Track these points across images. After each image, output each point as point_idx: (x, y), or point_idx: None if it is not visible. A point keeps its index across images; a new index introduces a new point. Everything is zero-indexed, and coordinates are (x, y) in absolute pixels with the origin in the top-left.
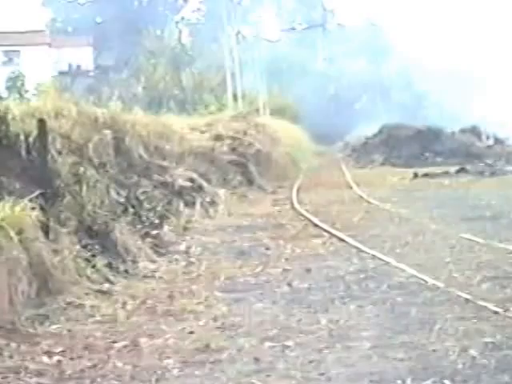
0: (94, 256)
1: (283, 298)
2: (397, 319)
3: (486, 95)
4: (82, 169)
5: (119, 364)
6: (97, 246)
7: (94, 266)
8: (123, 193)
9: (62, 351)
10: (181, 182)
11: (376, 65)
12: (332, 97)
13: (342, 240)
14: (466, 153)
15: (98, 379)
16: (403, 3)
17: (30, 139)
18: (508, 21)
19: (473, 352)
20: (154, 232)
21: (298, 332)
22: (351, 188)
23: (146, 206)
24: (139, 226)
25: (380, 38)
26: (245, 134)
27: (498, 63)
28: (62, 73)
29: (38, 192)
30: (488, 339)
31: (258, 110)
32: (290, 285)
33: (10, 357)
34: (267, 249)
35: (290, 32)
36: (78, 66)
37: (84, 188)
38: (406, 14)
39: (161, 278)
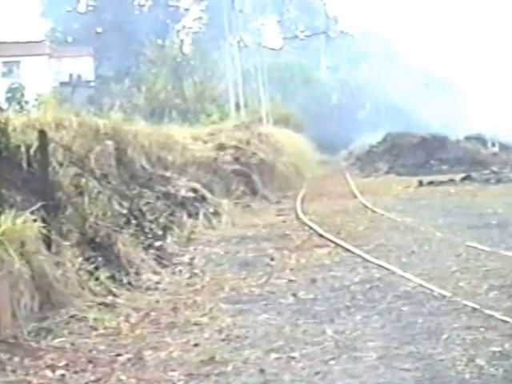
0: (96, 268)
1: (288, 308)
2: (403, 329)
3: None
4: (83, 180)
5: (123, 377)
6: (99, 259)
7: (96, 279)
8: (126, 204)
9: (66, 365)
10: (184, 192)
11: (379, 73)
12: (335, 105)
13: (347, 250)
14: (471, 160)
15: None
16: (406, 12)
17: (31, 151)
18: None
19: (480, 361)
20: (157, 243)
21: (303, 343)
22: (356, 197)
23: (149, 217)
24: (142, 238)
25: (384, 46)
26: (248, 143)
27: (496, 71)
28: (62, 83)
29: (39, 204)
30: (496, 348)
31: (260, 119)
32: (295, 295)
33: (13, 371)
34: (272, 259)
35: (292, 40)
36: (79, 77)
37: (86, 200)
38: (410, 22)
39: (164, 289)
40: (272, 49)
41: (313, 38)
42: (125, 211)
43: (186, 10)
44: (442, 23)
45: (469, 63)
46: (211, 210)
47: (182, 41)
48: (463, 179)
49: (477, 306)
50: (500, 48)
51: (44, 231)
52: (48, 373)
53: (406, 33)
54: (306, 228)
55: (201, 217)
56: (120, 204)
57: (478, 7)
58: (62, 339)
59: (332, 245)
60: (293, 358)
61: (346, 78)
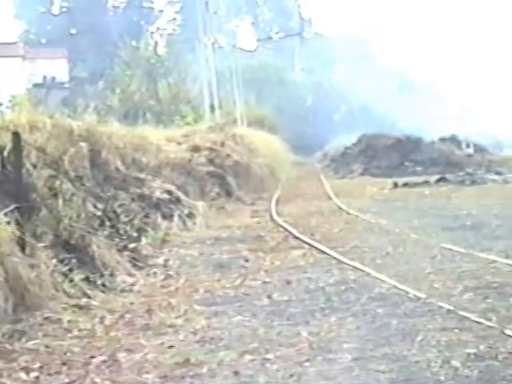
0: (71, 270)
1: (263, 310)
2: (378, 331)
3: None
4: (57, 182)
5: (97, 379)
6: (74, 260)
7: (71, 281)
8: (100, 206)
9: (40, 367)
10: (158, 194)
11: (354, 74)
12: (310, 107)
13: (321, 251)
14: (445, 162)
15: None
16: (381, 13)
17: (5, 153)
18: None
19: (455, 363)
20: (132, 245)
21: (278, 345)
22: (330, 199)
23: (124, 219)
24: (117, 240)
25: (358, 47)
26: (222, 145)
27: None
28: (36, 85)
29: (13, 206)
30: (471, 350)
31: (235, 121)
32: (269, 297)
33: None
34: (246, 261)
35: (266, 41)
36: (53, 78)
37: (60, 202)
38: (385, 23)
39: (139, 291)
40: (246, 50)
41: (287, 40)
42: (99, 213)
43: (160, 11)
44: (418, 24)
45: (444, 64)
46: (186, 211)
47: (156, 42)
48: (438, 181)
49: (452, 308)
50: (475, 49)
51: (18, 233)
52: (22, 375)
53: (381, 34)
54: (281, 230)
55: (175, 218)
56: (94, 206)
57: (453, 9)
58: (37, 341)
59: (307, 246)
60: (267, 359)
61: (321, 79)
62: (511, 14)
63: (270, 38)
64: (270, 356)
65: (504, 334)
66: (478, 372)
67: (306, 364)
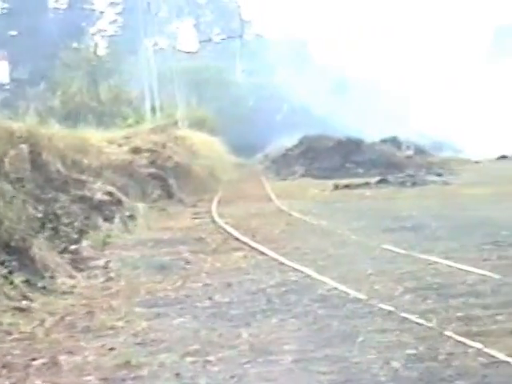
0: (11, 273)
1: (204, 312)
2: (319, 332)
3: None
4: None
5: (38, 382)
6: (14, 263)
7: (11, 283)
8: (41, 208)
9: None
10: (99, 196)
11: (295, 76)
12: (252, 108)
13: (263, 253)
14: (386, 163)
15: None
16: (322, 14)
17: None
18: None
19: (395, 364)
20: (73, 247)
21: (219, 347)
22: (272, 200)
23: (65, 220)
24: (57, 242)
25: (300, 49)
26: (163, 146)
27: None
28: None
29: None
30: (410, 351)
31: (176, 123)
32: (210, 299)
33: None
34: (187, 263)
35: (208, 43)
36: None
37: (0, 203)
38: (326, 24)
39: (80, 293)
40: (188, 52)
41: (228, 41)
42: (40, 215)
43: (101, 12)
44: (358, 25)
45: (383, 65)
46: (127, 213)
47: (96, 44)
48: (379, 182)
49: (392, 309)
50: (417, 49)
51: None
52: None
53: (320, 35)
54: (222, 231)
55: (116, 220)
56: (35, 208)
57: (396, 7)
58: None
59: (248, 248)
60: (209, 361)
61: (262, 81)
62: (449, 13)
63: (211, 39)
64: (211, 358)
65: (443, 334)
66: (418, 373)
67: (247, 366)
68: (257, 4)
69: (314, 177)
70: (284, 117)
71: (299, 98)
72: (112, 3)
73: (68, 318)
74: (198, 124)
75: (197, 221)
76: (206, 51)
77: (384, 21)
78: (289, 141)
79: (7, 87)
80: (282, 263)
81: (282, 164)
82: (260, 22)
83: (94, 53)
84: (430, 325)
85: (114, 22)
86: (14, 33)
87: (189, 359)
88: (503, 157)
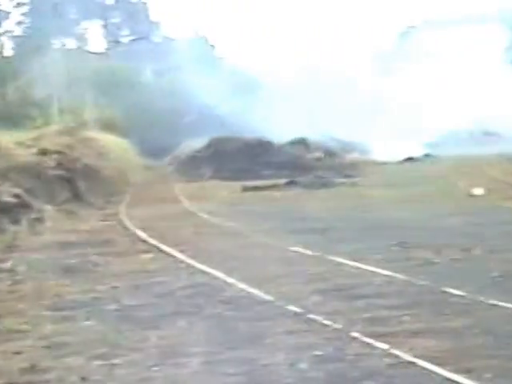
0: None
1: (112, 315)
2: (227, 334)
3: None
4: None
5: None
6: None
7: None
8: None
9: None
10: (6, 198)
11: (204, 77)
12: (161, 110)
13: (171, 255)
14: (295, 165)
15: None
16: (232, 16)
17: None
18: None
19: (303, 366)
20: None
21: (127, 350)
22: (180, 202)
23: None
24: None
25: (209, 50)
26: (72, 148)
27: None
28: None
29: None
30: (318, 352)
31: (85, 125)
32: (118, 302)
33: None
34: (95, 265)
35: (117, 45)
36: None
37: None
38: (236, 26)
39: None
40: (96, 53)
41: (137, 43)
42: None
43: (8, 13)
44: (269, 25)
45: (292, 65)
46: (34, 215)
47: (2, 45)
48: (287, 184)
49: (300, 310)
50: (326, 50)
51: None
52: None
53: (231, 35)
54: (131, 233)
55: (24, 223)
56: None
57: (307, 7)
58: None
59: (156, 250)
60: (116, 364)
61: (171, 82)
62: (351, 15)
63: (120, 41)
64: (118, 361)
65: (350, 335)
66: (325, 374)
67: (155, 368)
68: (165, 5)
69: (222, 178)
70: (193, 118)
71: (208, 100)
72: (18, 3)
73: None
74: (108, 126)
75: (105, 223)
76: (115, 52)
77: (294, 21)
78: (198, 142)
79: None
80: (190, 265)
81: (190, 166)
82: (169, 23)
83: (0, 54)
84: (337, 326)
85: (21, 22)
86: None
87: (96, 362)
88: (409, 158)
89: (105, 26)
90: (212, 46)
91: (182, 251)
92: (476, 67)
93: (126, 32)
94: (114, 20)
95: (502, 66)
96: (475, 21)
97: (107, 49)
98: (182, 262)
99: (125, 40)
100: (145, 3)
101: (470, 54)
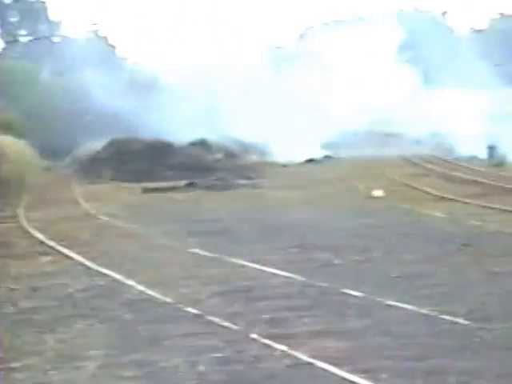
0: None
1: (8, 318)
2: (126, 337)
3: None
4: None
5: None
6: None
7: None
8: None
9: None
10: None
11: (105, 77)
12: (61, 110)
13: (70, 258)
14: (196, 166)
15: None
16: (134, 15)
17: None
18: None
19: (202, 368)
20: None
21: (23, 353)
22: (80, 204)
23: None
24: None
25: (109, 50)
26: None
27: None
28: None
29: None
30: (217, 354)
31: None
32: (15, 305)
33: None
34: None
35: (14, 44)
36: None
37: None
38: (138, 26)
39: None
40: None
41: (36, 43)
42: None
43: None
44: (168, 25)
45: (195, 67)
46: None
47: None
48: (188, 185)
49: (199, 313)
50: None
51: None
52: None
53: (131, 36)
54: (29, 236)
55: None
56: None
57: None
58: None
59: (55, 252)
60: (13, 368)
61: (71, 82)
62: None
63: (17, 40)
64: (15, 365)
65: (250, 337)
66: (224, 376)
67: (52, 372)
68: (65, 5)
69: (123, 180)
70: (93, 119)
71: (109, 100)
72: None
73: None
74: (4, 127)
75: (3, 225)
76: (13, 52)
77: (194, 20)
78: (98, 143)
79: None
80: (89, 268)
81: (90, 167)
82: (69, 22)
83: None
84: (236, 328)
85: None
86: None
87: None
88: (310, 160)
89: (2, 26)
90: (112, 46)
91: (81, 253)
92: (371, 67)
93: (23, 32)
94: (11, 19)
95: (396, 65)
96: (372, 21)
97: (4, 48)
98: (81, 264)
99: (23, 39)
100: (43, 2)
101: (364, 54)
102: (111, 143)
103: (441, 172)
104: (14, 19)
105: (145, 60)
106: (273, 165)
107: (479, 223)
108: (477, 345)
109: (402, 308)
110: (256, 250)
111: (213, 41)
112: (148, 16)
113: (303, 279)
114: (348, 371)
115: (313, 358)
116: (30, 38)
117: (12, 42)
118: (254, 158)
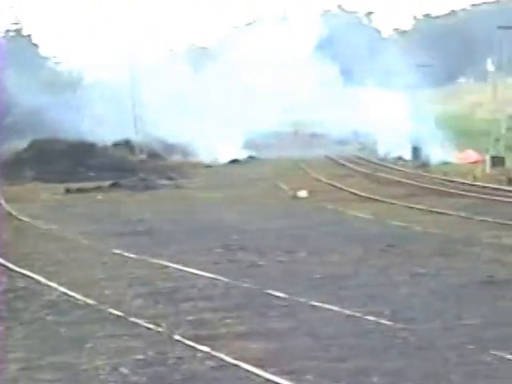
0: None
1: None
2: (47, 339)
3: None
4: None
5: None
6: None
7: None
8: None
9: None
10: None
11: (26, 77)
12: None
13: None
14: (119, 167)
15: None
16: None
17: None
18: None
19: (124, 370)
20: None
21: None
22: (1, 205)
23: None
24: None
25: (32, 49)
26: None
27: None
28: None
29: None
30: (140, 356)
31: None
32: None
33: None
34: None
35: None
36: None
37: None
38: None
39: None
40: None
41: None
42: None
43: None
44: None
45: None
46: None
47: None
48: (111, 186)
49: (122, 314)
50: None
51: None
52: None
53: (55, 35)
54: None
55: None
56: None
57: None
58: None
59: None
60: None
61: None
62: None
63: None
64: None
65: (173, 339)
66: (147, 378)
67: None
68: None
69: (45, 180)
70: (14, 119)
71: (30, 100)
72: None
73: None
74: None
75: None
76: None
77: (118, 19)
78: (19, 144)
79: None
80: (10, 269)
81: (12, 168)
82: None
83: None
84: (159, 329)
85: None
86: None
87: None
88: (234, 160)
89: None
90: (35, 45)
91: (1, 255)
92: (292, 67)
93: None
94: None
95: (317, 65)
96: (295, 21)
97: None
98: (1, 265)
99: None
100: None
101: (286, 54)
102: (33, 144)
103: (366, 173)
104: None
105: (68, 59)
106: (197, 165)
107: (404, 224)
108: (401, 345)
109: (327, 309)
110: (180, 250)
111: (136, 41)
112: (72, 15)
113: (227, 280)
114: (272, 373)
115: (237, 359)
116: None
117: None
118: (177, 158)
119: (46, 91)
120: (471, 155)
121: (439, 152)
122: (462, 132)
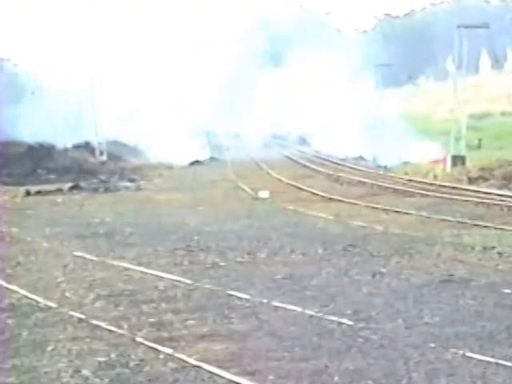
0: None
1: None
2: (7, 342)
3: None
4: None
5: None
6: None
7: None
8: None
9: None
10: None
11: None
12: None
13: None
14: (79, 169)
15: None
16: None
17: None
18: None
19: (86, 372)
20: None
21: None
22: None
23: None
24: None
25: None
26: None
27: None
28: None
29: None
30: (101, 358)
31: None
32: None
33: None
34: None
35: None
36: None
37: None
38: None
39: None
40: None
41: None
42: None
43: None
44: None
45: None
46: None
47: None
48: (71, 188)
49: (83, 317)
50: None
51: None
52: None
53: (14, 37)
54: None
55: None
56: None
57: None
58: None
59: None
60: None
61: None
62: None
63: None
64: None
65: (135, 341)
66: (109, 380)
67: None
68: None
69: (4, 183)
70: None
71: None
72: None
73: None
74: None
75: None
76: None
77: (82, 22)
78: None
79: None
80: None
81: None
82: None
83: None
84: (121, 331)
85: None
86: None
87: None
88: (196, 162)
89: None
90: None
91: None
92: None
93: None
94: None
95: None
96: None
97: None
98: None
99: None
100: None
101: (235, 55)
102: None
103: (327, 173)
104: None
105: (28, 62)
106: (158, 167)
107: (365, 224)
108: (362, 344)
109: (288, 309)
110: (141, 252)
111: (94, 42)
112: (34, 18)
113: (189, 282)
114: (235, 373)
115: (199, 360)
116: None
117: None
118: (138, 160)
119: (3, 92)
120: (431, 153)
121: (399, 151)
122: (422, 131)
